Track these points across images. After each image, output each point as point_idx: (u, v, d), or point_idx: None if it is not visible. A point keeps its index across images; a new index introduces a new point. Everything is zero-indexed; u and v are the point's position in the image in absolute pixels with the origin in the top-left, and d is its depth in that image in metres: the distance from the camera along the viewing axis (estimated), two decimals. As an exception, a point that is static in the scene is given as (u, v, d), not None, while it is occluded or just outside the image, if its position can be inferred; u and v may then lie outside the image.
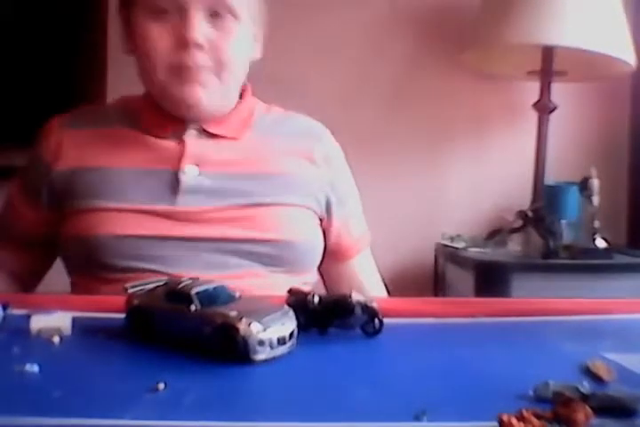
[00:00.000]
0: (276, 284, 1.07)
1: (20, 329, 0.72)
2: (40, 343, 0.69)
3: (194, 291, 0.69)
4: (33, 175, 1.17)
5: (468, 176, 2.29)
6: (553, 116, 2.07)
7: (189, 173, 1.11)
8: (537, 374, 0.59)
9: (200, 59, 1.07)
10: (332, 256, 1.22)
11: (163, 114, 1.14)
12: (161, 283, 0.74)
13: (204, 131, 1.15)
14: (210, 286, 0.70)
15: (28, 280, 1.22)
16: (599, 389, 0.57)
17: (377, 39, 2.25)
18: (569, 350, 0.72)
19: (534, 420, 0.48)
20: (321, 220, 1.19)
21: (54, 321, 0.72)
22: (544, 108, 2.06)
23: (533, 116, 2.09)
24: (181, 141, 1.13)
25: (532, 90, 2.09)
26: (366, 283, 1.26)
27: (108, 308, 0.79)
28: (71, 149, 1.14)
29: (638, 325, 0.85)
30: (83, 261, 1.11)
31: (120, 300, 0.73)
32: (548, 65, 2.04)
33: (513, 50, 2.12)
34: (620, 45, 1.94)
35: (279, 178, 1.15)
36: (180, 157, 1.11)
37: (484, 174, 2.28)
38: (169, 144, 1.14)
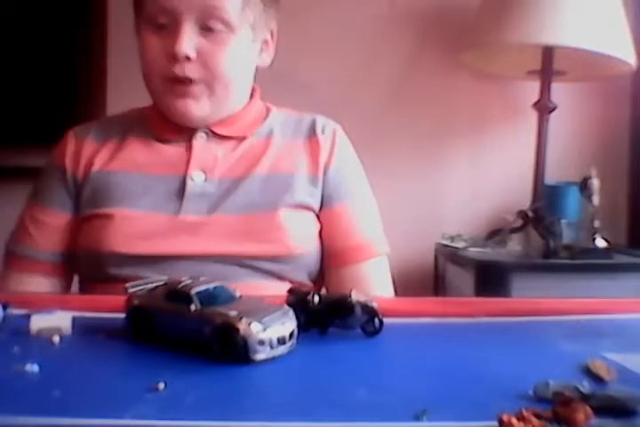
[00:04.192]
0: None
1: (20, 329, 0.72)
2: (40, 343, 0.69)
3: (194, 291, 0.68)
4: (55, 183, 1.17)
5: (468, 176, 2.29)
6: (553, 116, 2.07)
7: (197, 180, 1.12)
8: (537, 374, 0.59)
9: (190, 71, 1.08)
10: (338, 258, 1.17)
11: (170, 119, 1.16)
12: (161, 283, 0.74)
13: (213, 133, 1.16)
14: (210, 286, 0.70)
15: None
16: (599, 389, 0.57)
17: (376, 39, 2.24)
18: (569, 350, 0.72)
19: (534, 420, 0.48)
20: (319, 218, 1.16)
21: (54, 321, 0.72)
22: (544, 107, 2.06)
23: (533, 116, 2.09)
24: (189, 146, 1.15)
25: (532, 90, 2.09)
26: (374, 290, 1.16)
27: (108, 308, 0.79)
28: (88, 157, 1.16)
29: (638, 325, 0.85)
30: (90, 269, 1.13)
31: (120, 300, 0.73)
32: (548, 65, 2.04)
33: (513, 50, 2.12)
34: (620, 45, 1.94)
35: (280, 177, 1.14)
36: (187, 163, 1.13)
37: (484, 174, 2.28)
38: (177, 150, 1.15)
